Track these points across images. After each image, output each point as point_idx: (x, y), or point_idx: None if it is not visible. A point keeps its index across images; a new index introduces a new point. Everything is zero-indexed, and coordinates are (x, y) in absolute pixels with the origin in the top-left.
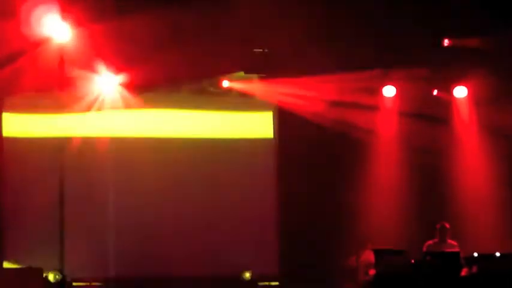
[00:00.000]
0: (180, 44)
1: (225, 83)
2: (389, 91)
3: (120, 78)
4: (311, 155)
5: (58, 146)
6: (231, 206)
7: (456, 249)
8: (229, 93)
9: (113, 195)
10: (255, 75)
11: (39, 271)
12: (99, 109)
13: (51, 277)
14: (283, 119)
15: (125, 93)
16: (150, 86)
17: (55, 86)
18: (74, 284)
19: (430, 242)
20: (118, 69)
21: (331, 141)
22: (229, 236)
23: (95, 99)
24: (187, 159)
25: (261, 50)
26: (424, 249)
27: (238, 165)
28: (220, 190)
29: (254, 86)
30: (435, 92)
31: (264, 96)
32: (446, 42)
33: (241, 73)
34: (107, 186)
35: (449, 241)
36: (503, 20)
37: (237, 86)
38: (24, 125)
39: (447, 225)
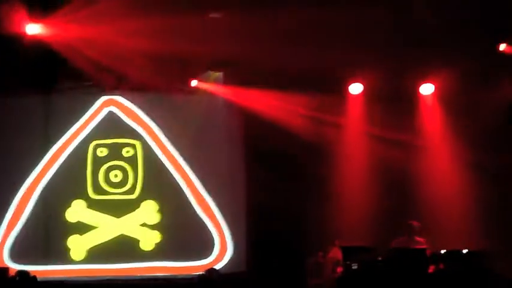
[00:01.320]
0: None
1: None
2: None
3: None
4: (278, 150)
5: None
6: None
7: (423, 246)
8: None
9: None
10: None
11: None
12: None
13: None
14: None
15: None
16: None
17: None
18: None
19: (398, 239)
20: None
21: (298, 138)
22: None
23: None
24: None
25: None
26: (392, 245)
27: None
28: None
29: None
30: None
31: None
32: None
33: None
34: None
35: (417, 238)
36: None
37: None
38: None
39: (414, 223)
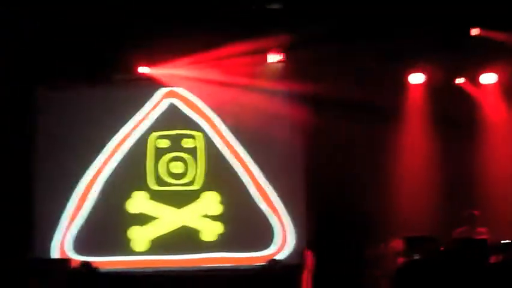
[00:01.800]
0: None
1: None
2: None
3: None
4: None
5: None
6: None
7: (484, 236)
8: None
9: None
10: None
11: (66, 262)
12: None
13: None
14: None
15: None
16: None
17: None
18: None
19: (460, 229)
20: None
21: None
22: None
23: None
24: None
25: None
26: (454, 236)
27: None
28: None
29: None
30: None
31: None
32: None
33: None
34: None
35: (479, 229)
36: None
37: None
38: None
39: (476, 213)
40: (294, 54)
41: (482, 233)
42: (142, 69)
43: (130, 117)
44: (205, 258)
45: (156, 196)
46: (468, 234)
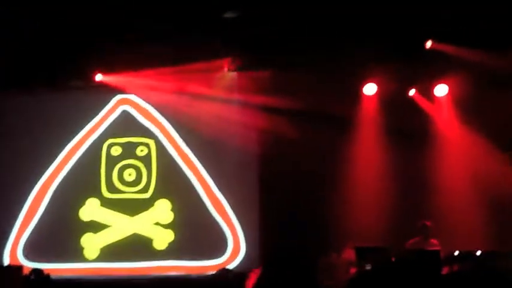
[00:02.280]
0: None
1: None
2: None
3: None
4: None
5: None
6: None
7: (437, 248)
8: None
9: None
10: None
11: (18, 269)
12: None
13: None
14: None
15: None
16: None
17: None
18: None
19: (412, 240)
20: None
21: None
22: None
23: None
24: None
25: None
26: (407, 246)
27: None
28: None
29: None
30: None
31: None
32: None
33: None
34: None
35: (432, 240)
36: None
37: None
38: None
39: (428, 224)
40: (249, 66)
41: (434, 244)
42: (99, 77)
43: (85, 124)
44: (157, 266)
45: (108, 203)
46: (421, 245)
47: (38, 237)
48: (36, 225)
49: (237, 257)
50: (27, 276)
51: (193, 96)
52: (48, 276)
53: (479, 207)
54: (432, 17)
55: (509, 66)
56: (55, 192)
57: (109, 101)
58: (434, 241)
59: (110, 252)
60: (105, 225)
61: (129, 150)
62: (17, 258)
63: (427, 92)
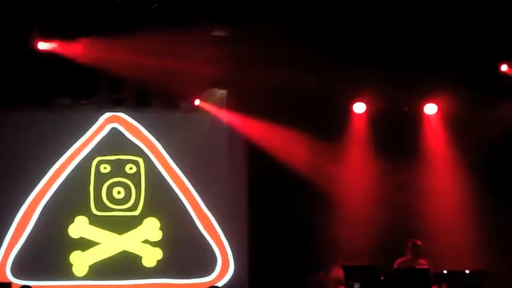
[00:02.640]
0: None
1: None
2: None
3: None
4: (281, 169)
5: None
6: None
7: (426, 267)
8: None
9: None
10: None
11: (7, 286)
12: None
13: None
14: None
15: None
16: None
17: None
18: None
19: (402, 259)
20: None
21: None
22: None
23: None
24: None
25: None
26: (395, 266)
27: None
28: None
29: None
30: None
31: None
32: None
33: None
34: None
35: (421, 260)
36: None
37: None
38: None
39: (419, 243)
40: (238, 83)
41: (423, 264)
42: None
43: (73, 142)
44: (146, 284)
45: (97, 221)
46: (410, 264)
47: (26, 254)
48: (25, 242)
49: (226, 275)
50: None
51: (181, 114)
52: None
53: (469, 227)
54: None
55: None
56: (44, 209)
57: (97, 119)
58: (423, 261)
59: (99, 270)
60: (94, 243)
61: (118, 168)
62: (5, 276)
63: (416, 111)
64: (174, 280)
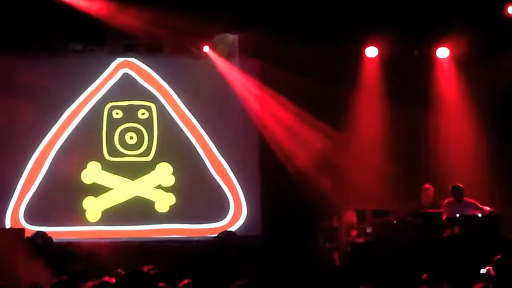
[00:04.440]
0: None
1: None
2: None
3: None
4: None
5: None
6: None
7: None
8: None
9: None
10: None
11: (21, 231)
12: None
13: None
14: None
15: None
16: None
17: None
18: None
19: (447, 200)
20: None
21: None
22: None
23: None
24: None
25: None
26: (442, 208)
27: None
28: None
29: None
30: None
31: None
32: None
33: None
34: None
35: (467, 199)
36: None
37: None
38: None
39: (461, 185)
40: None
41: (470, 204)
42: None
43: (85, 88)
44: (159, 229)
45: (110, 166)
46: (421, 207)
47: (39, 200)
48: (38, 189)
49: (239, 220)
50: (31, 239)
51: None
52: (50, 239)
53: (481, 170)
54: None
55: None
56: (56, 155)
57: (109, 64)
58: (469, 200)
59: (112, 215)
60: (107, 188)
61: (130, 114)
62: (18, 222)
63: (428, 55)
64: (187, 225)
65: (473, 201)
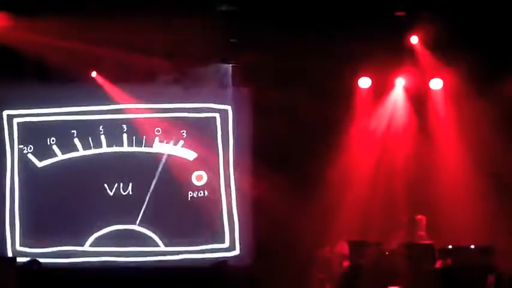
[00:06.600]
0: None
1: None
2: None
3: None
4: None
5: None
6: None
7: (428, 241)
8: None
9: None
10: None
11: (12, 260)
12: None
13: None
14: None
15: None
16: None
17: None
18: None
19: (400, 233)
20: None
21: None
22: None
23: None
24: None
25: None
26: (392, 240)
27: None
28: None
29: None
30: None
31: None
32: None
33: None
34: None
35: (420, 233)
36: None
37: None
38: None
39: (417, 218)
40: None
41: (423, 237)
42: None
43: None
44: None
45: None
46: (409, 239)
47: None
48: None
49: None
50: (25, 266)
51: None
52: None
53: (473, 200)
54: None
55: None
56: None
57: None
58: (422, 233)
59: None
60: None
61: None
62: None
63: (422, 86)
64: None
65: (424, 234)
